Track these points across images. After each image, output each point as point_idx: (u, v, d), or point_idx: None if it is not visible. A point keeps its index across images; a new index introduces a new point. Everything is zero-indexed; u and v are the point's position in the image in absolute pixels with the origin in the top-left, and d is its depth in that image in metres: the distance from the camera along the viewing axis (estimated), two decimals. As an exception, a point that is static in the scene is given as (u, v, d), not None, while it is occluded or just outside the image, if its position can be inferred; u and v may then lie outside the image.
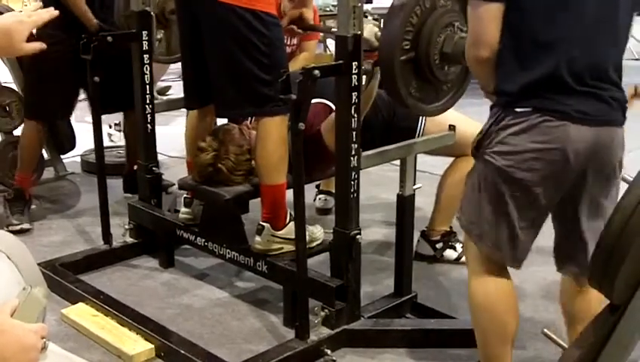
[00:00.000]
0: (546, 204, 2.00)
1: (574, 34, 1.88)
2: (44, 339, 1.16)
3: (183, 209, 3.05)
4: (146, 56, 3.17)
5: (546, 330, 1.91)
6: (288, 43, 4.12)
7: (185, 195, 3.10)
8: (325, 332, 2.53)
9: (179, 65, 3.29)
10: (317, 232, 2.80)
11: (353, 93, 2.37)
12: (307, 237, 2.49)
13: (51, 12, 1.70)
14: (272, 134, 2.62)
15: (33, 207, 3.72)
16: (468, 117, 3.01)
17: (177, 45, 3.32)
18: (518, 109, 1.92)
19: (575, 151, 1.89)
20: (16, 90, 3.85)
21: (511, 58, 1.92)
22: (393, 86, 2.36)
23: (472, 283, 2.15)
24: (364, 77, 2.39)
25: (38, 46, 1.66)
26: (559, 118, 1.88)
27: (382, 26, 2.53)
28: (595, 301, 1.94)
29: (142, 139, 3.31)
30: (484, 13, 1.92)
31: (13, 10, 3.73)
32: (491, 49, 1.93)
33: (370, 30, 2.44)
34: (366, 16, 2.51)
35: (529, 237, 2.05)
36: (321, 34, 5.67)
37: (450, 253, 3.26)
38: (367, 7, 4.60)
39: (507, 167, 1.95)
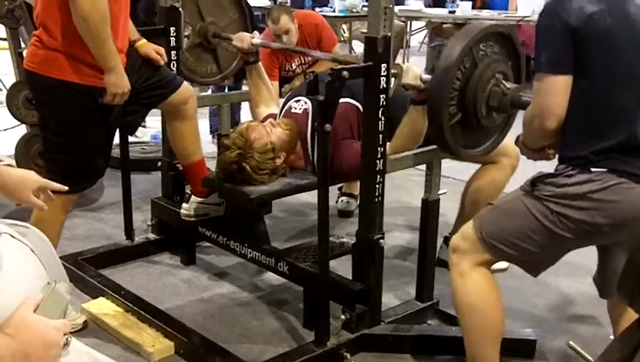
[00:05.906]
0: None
1: None
2: (67, 336, 1.15)
3: (183, 205, 3.06)
4: (173, 52, 3.17)
5: (571, 343, 1.89)
6: (301, 61, 4.13)
7: (187, 192, 3.11)
8: (345, 335, 2.51)
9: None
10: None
11: (381, 96, 2.34)
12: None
13: (62, 186, 1.78)
14: None
15: None
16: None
17: (226, 62, 3.50)
18: (593, 169, 1.93)
19: None
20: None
21: (583, 125, 1.93)
22: (444, 145, 2.38)
23: (463, 282, 2.15)
24: (392, 79, 2.37)
25: (41, 204, 1.73)
26: (636, 181, 1.90)
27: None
28: None
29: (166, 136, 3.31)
30: (553, 85, 1.91)
31: None
32: (559, 120, 1.93)
33: (414, 75, 2.42)
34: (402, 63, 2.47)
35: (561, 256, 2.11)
36: (342, 38, 5.65)
37: (473, 260, 3.21)
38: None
39: (577, 221, 1.95)
